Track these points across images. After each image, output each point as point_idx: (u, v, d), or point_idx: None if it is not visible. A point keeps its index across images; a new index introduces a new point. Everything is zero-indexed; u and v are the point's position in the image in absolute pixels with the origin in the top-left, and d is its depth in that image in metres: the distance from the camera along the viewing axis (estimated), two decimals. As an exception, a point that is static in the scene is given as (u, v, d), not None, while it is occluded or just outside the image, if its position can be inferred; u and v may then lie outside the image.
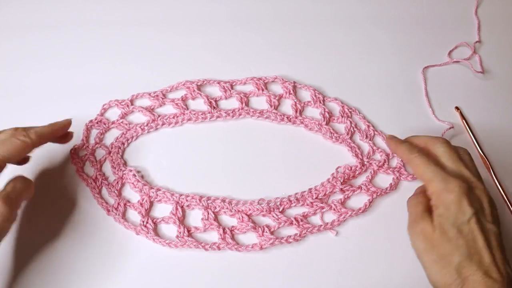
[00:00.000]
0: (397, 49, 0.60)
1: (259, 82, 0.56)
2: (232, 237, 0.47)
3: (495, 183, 0.51)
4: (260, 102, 0.55)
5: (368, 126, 0.54)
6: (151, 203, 0.49)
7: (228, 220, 0.49)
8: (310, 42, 0.60)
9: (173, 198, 0.49)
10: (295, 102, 0.55)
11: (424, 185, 0.42)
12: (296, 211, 0.49)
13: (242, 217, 0.48)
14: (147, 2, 0.62)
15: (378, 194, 0.50)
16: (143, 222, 0.48)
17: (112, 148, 0.52)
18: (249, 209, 0.48)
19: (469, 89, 0.57)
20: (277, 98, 0.55)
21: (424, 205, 0.40)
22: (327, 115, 0.54)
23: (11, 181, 0.42)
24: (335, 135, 0.53)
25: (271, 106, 0.55)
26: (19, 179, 0.43)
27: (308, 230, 0.48)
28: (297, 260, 0.47)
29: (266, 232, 0.47)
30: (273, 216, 0.48)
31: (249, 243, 0.47)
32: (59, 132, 0.47)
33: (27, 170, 0.50)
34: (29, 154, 0.46)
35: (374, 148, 0.53)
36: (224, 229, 0.47)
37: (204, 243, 0.47)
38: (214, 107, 0.54)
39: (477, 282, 0.35)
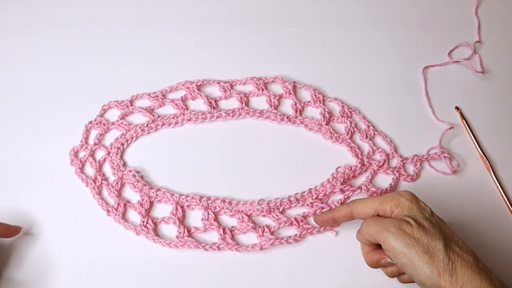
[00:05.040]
0: (397, 49, 0.60)
1: (259, 82, 0.56)
2: (232, 237, 0.47)
3: (495, 183, 0.51)
4: (260, 102, 0.55)
5: (368, 126, 0.54)
6: (151, 203, 0.49)
7: (228, 220, 0.49)
8: (310, 42, 0.60)
9: (173, 198, 0.49)
10: (295, 102, 0.55)
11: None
12: (296, 211, 0.49)
13: (242, 217, 0.48)
14: (147, 2, 0.62)
15: (378, 194, 0.50)
16: (143, 222, 0.48)
17: (111, 148, 0.52)
18: (249, 209, 0.48)
19: (469, 89, 0.57)
20: (277, 98, 0.55)
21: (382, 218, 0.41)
22: (327, 115, 0.54)
23: None
24: (335, 135, 0.53)
25: (271, 106, 0.55)
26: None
27: (308, 231, 0.48)
28: (297, 260, 0.47)
29: (266, 232, 0.47)
30: (273, 217, 0.48)
31: (249, 243, 0.47)
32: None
33: (27, 172, 0.50)
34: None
35: (374, 148, 0.53)
36: (224, 229, 0.47)
37: (204, 243, 0.47)
38: (214, 107, 0.54)
39: (466, 259, 0.37)
